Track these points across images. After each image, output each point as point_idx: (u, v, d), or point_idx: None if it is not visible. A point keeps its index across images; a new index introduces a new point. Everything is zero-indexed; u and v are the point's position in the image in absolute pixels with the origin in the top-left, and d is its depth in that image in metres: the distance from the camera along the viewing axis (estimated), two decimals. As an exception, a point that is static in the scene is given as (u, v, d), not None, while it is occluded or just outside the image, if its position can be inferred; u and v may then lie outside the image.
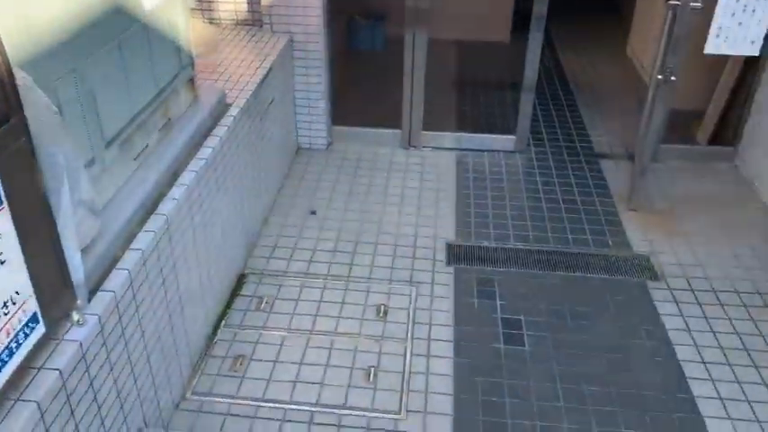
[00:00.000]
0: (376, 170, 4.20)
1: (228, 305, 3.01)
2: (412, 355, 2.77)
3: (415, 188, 4.01)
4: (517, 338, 2.88)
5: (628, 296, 3.13)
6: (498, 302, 3.08)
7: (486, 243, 3.52)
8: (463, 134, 4.49)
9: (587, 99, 5.19)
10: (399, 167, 4.24)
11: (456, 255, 3.41)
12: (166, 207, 2.33)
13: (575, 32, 6.60)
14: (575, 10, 7.27)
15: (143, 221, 2.25)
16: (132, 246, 2.13)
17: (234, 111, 3.07)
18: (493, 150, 4.43)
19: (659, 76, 3.40)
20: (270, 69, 3.63)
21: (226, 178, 2.91)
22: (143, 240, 2.16)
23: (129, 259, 2.07)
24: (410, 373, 2.68)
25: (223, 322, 2.91)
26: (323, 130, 4.37)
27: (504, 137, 4.44)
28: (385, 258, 3.36)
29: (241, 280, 3.17)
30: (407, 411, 2.51)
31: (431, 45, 4.17)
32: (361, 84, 5.17)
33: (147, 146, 2.49)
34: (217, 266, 2.85)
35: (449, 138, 4.46)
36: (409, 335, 2.88)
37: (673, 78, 3.38)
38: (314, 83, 4.18)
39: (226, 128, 2.91)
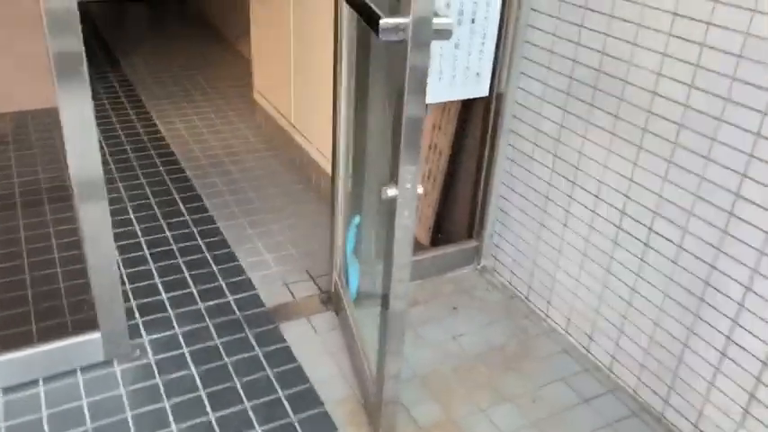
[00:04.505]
0: None
1: None
2: None
3: None
4: None
5: None
6: None
7: None
8: (-24, 362, 1.94)
9: (221, 192, 3.08)
10: None
11: None
12: None
13: (178, 80, 4.44)
14: (171, 44, 5.16)
15: None
16: None
17: None
18: (61, 375, 2.00)
19: (393, 193, 1.47)
20: None
21: None
22: None
23: None
24: None
25: None
26: None
27: (81, 339, 2.04)
28: None
29: None
30: None
31: None
32: None
33: None
34: None
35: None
36: None
37: (420, 191, 1.48)
38: None
39: None
